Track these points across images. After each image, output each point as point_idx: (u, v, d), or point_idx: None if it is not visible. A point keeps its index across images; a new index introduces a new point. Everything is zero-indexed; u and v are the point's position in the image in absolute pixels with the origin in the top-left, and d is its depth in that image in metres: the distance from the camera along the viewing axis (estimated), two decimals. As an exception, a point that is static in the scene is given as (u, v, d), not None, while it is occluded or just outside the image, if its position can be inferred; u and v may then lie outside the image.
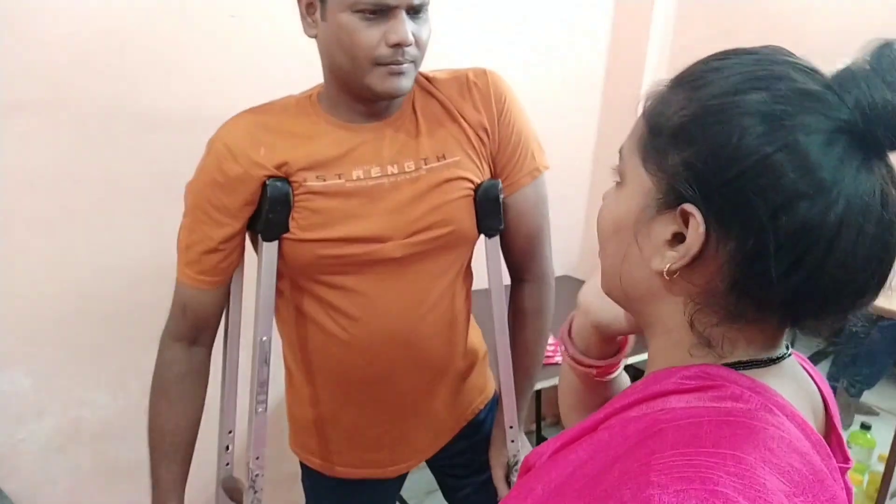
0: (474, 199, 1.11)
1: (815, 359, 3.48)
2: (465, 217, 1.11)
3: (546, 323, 1.28)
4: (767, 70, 0.49)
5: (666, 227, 0.51)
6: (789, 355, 0.55)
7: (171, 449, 1.13)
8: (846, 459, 0.56)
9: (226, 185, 1.03)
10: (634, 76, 2.58)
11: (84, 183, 1.61)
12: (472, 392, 1.29)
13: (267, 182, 1.03)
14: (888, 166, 0.47)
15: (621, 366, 0.77)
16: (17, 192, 1.53)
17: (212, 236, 1.05)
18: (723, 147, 0.47)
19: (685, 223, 0.49)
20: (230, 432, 1.22)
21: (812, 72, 0.49)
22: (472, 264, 1.22)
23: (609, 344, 0.74)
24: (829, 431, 0.57)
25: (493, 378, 1.35)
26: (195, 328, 1.12)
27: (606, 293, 0.61)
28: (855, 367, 2.92)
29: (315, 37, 1.03)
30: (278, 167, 1.03)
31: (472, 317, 1.27)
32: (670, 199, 0.50)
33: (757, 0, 2.50)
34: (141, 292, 1.67)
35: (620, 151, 0.58)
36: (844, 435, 0.59)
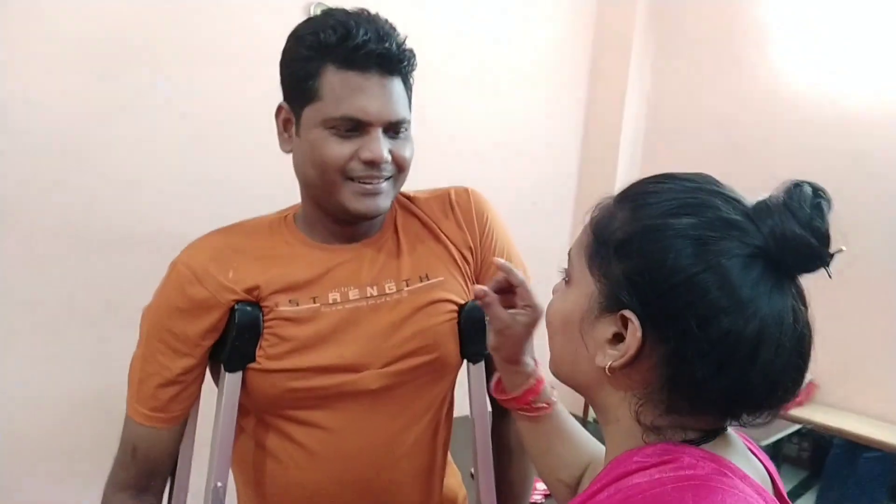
0: (458, 322, 1.03)
1: (799, 491, 3.34)
2: (450, 342, 1.02)
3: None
4: (697, 198, 0.56)
5: (607, 328, 0.58)
6: (729, 431, 0.61)
7: None
8: None
9: (188, 312, 0.93)
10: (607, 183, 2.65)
11: (24, 304, 1.48)
12: None
13: (235, 307, 0.94)
14: (797, 286, 0.56)
15: (552, 407, 0.88)
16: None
17: (170, 367, 0.94)
18: (658, 263, 0.54)
19: (624, 326, 0.57)
20: None
21: (735, 201, 0.57)
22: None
23: (517, 375, 0.87)
24: (780, 500, 0.62)
25: (473, 526, 1.20)
26: (146, 474, 0.97)
27: (555, 375, 0.68)
28: (845, 501, 2.77)
29: (290, 153, 0.97)
30: (248, 291, 0.94)
31: (449, 456, 1.14)
32: (611, 304, 0.57)
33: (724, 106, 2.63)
34: (82, 426, 1.50)
35: (569, 254, 0.65)
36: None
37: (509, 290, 0.86)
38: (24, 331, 1.48)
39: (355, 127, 0.89)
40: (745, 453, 0.61)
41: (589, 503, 0.57)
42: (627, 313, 0.55)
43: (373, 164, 0.90)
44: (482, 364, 1.08)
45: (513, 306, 0.85)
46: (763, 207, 0.55)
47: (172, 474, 1.02)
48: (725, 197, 0.57)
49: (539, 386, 0.87)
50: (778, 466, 2.72)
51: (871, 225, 2.25)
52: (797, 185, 0.55)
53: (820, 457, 3.25)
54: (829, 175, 2.25)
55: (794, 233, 0.52)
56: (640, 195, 0.60)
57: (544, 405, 0.87)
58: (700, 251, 0.53)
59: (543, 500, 1.77)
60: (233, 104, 1.71)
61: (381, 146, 0.90)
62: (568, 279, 0.65)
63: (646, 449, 0.57)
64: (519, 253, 1.11)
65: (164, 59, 1.63)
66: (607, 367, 0.57)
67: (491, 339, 0.86)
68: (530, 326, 0.84)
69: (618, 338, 0.57)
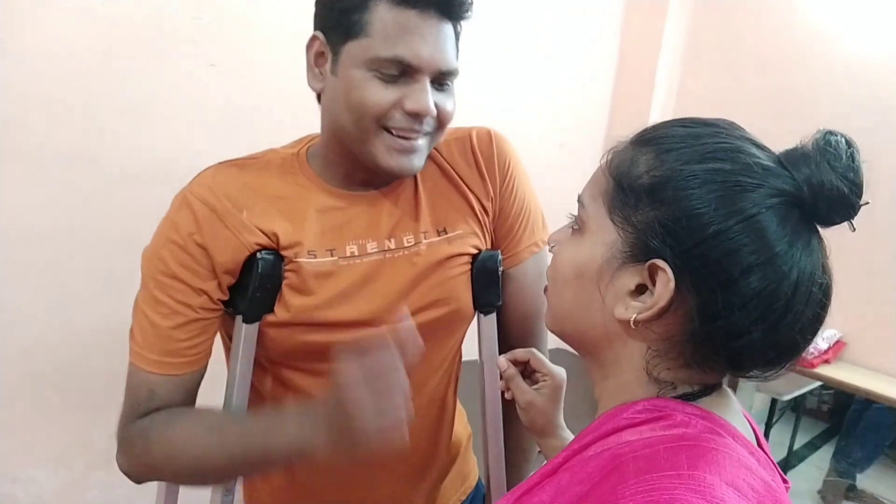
0: (471, 272, 0.98)
1: (817, 443, 3.35)
2: (465, 294, 0.98)
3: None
4: (728, 143, 0.53)
5: (631, 279, 0.54)
6: (724, 387, 0.59)
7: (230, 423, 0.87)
8: (784, 481, 0.60)
9: (208, 246, 0.85)
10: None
11: (40, 237, 1.47)
12: (453, 482, 1.13)
13: (258, 255, 0.87)
14: (821, 239, 0.54)
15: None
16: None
17: (190, 304, 0.86)
18: (695, 211, 0.51)
19: (651, 276, 0.53)
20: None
21: (763, 148, 0.54)
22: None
23: (557, 449, 0.83)
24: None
25: (475, 463, 1.20)
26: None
27: (556, 332, 0.64)
28: (846, 449, 2.84)
29: (320, 91, 0.89)
30: (268, 236, 0.88)
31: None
32: (638, 253, 0.54)
33: (760, 52, 2.49)
34: (94, 358, 1.52)
35: (580, 199, 0.61)
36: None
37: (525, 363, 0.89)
38: (33, 264, 1.47)
39: (403, 72, 0.80)
40: (738, 410, 0.59)
41: (575, 458, 0.54)
42: (660, 263, 0.52)
43: (417, 116, 0.82)
44: (493, 315, 1.05)
45: (534, 381, 0.88)
46: (798, 155, 0.52)
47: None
48: (755, 142, 0.55)
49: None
50: (798, 419, 2.68)
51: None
52: (831, 135, 0.52)
53: (839, 411, 3.26)
54: (869, 121, 2.14)
55: (832, 182, 0.50)
56: (665, 139, 0.55)
57: None
58: (739, 199, 0.51)
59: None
60: (249, 35, 1.64)
61: (429, 97, 0.81)
62: (579, 227, 0.60)
63: (636, 404, 0.55)
64: (539, 206, 1.06)
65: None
66: (632, 319, 0.54)
67: (522, 416, 0.88)
68: (554, 395, 0.85)
69: (640, 289, 0.54)
